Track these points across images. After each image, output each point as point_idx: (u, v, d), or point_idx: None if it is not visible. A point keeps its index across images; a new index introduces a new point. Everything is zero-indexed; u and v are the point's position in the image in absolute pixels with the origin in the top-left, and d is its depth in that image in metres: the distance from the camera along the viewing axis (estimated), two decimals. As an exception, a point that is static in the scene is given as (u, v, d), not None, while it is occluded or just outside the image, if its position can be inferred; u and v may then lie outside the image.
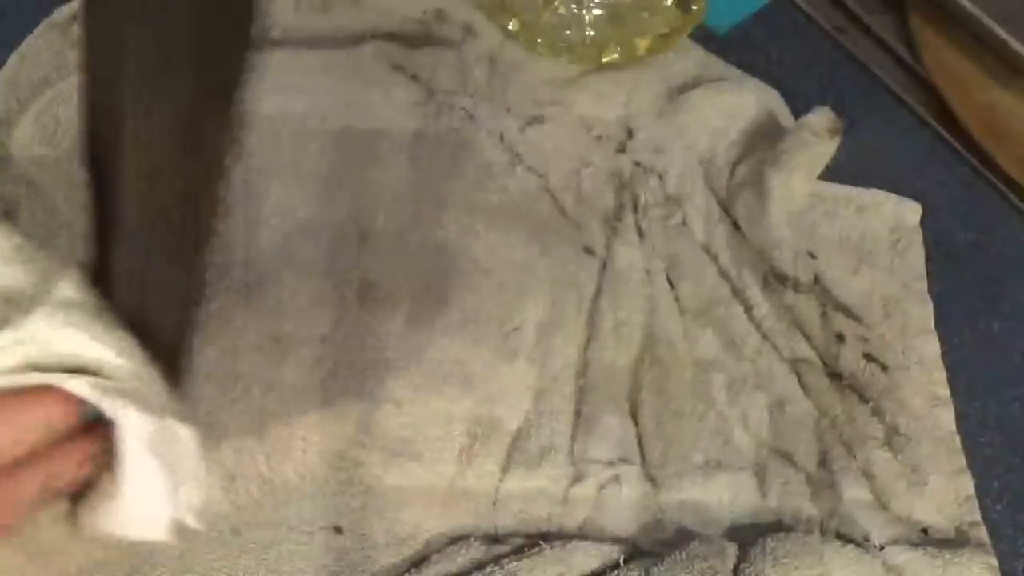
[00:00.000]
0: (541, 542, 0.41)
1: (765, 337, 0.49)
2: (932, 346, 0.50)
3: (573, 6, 0.60)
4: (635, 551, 0.43)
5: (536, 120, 0.56)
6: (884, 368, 0.47)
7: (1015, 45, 0.55)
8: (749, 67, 0.61)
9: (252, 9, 0.33)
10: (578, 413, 0.46)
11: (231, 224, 0.50)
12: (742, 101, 0.57)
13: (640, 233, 0.53)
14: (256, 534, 0.41)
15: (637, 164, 0.56)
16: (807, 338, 0.49)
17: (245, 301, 0.47)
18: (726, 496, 0.45)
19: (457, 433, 0.45)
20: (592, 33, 0.60)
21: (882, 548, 0.42)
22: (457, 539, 0.42)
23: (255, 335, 0.46)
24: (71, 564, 0.40)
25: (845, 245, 0.54)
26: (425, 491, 0.43)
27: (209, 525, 0.41)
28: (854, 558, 0.42)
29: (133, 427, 0.32)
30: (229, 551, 0.41)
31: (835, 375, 0.48)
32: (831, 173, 0.55)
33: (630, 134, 0.57)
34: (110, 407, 0.31)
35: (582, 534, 0.43)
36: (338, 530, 0.42)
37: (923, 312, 0.51)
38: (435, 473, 0.44)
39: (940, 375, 0.49)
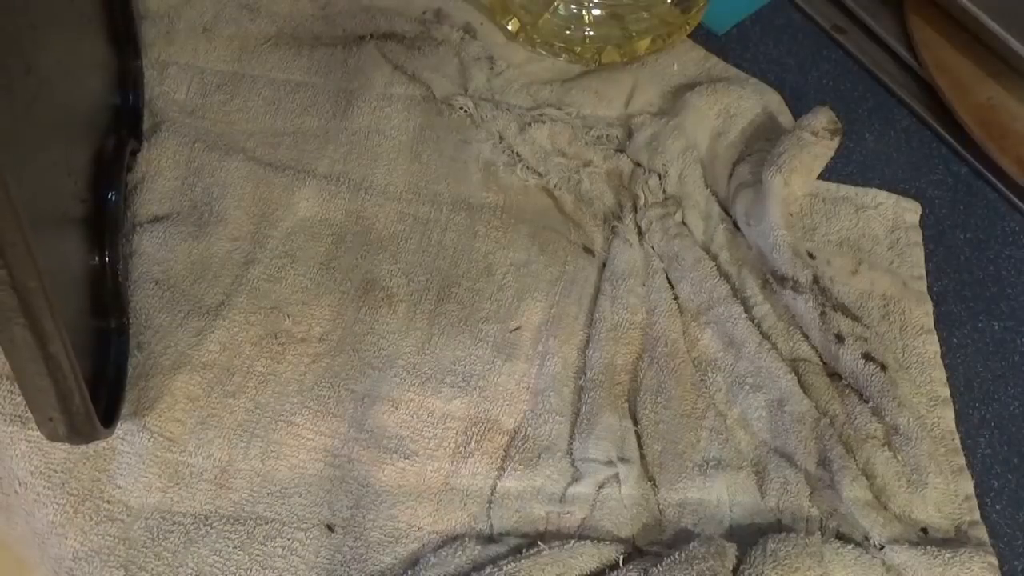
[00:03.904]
0: (539, 542, 0.41)
1: (765, 337, 0.49)
2: (932, 346, 0.50)
3: (573, 6, 0.60)
4: (634, 551, 0.42)
5: (536, 120, 0.56)
6: (883, 368, 0.47)
7: (1014, 45, 0.55)
8: (749, 67, 0.61)
9: None
10: (577, 412, 0.46)
11: (235, 221, 0.50)
12: (742, 101, 0.57)
13: (640, 233, 0.53)
14: (249, 529, 0.41)
15: (637, 164, 0.56)
16: (806, 338, 0.49)
17: (246, 297, 0.47)
18: (725, 495, 0.45)
19: (452, 432, 0.45)
20: (592, 33, 0.60)
21: (882, 548, 0.42)
22: (452, 538, 0.42)
23: (254, 330, 0.46)
24: (67, 550, 0.40)
25: (844, 245, 0.54)
26: (419, 489, 0.43)
27: (203, 520, 0.41)
28: (854, 559, 0.42)
29: None
30: (223, 546, 0.41)
31: (834, 375, 0.48)
32: (831, 173, 0.55)
33: (630, 134, 0.57)
34: None
35: (580, 534, 0.43)
36: (330, 528, 0.42)
37: (922, 312, 0.51)
38: (429, 471, 0.44)
39: (940, 375, 0.49)
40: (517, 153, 0.55)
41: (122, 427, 0.43)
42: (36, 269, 0.32)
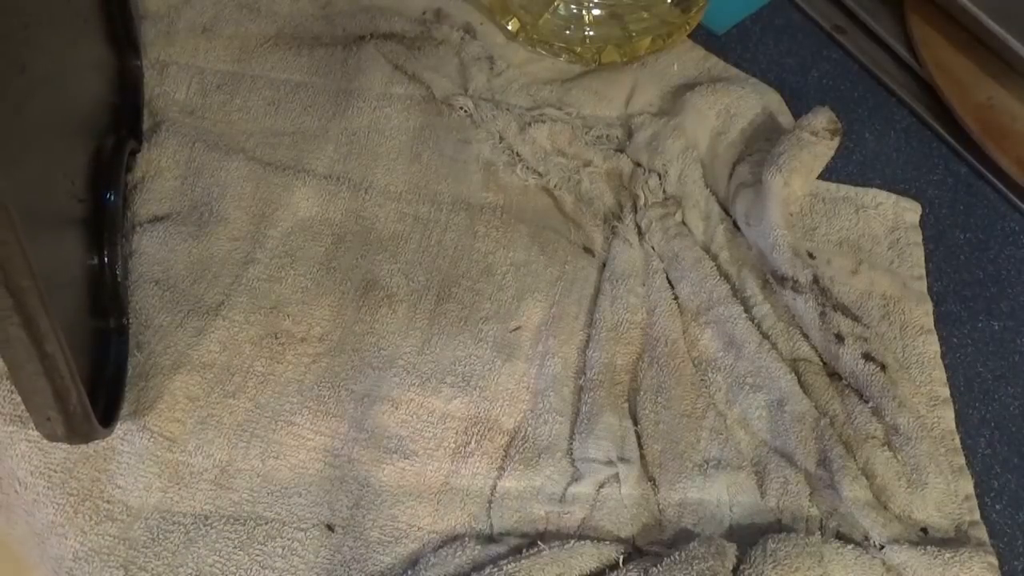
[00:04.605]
0: (539, 542, 0.41)
1: (765, 337, 0.49)
2: (932, 346, 0.50)
3: (573, 6, 0.60)
4: (634, 551, 0.42)
5: (536, 120, 0.56)
6: (883, 368, 0.47)
7: (1014, 45, 0.55)
8: (749, 67, 0.61)
9: None
10: (577, 412, 0.46)
11: (235, 221, 0.50)
12: (742, 101, 0.57)
13: (640, 233, 0.53)
14: (249, 529, 0.41)
15: (637, 164, 0.56)
16: (806, 338, 0.49)
17: (246, 297, 0.47)
18: (725, 495, 0.45)
19: (452, 432, 0.45)
20: (592, 33, 0.60)
21: (882, 548, 0.42)
22: (452, 538, 0.42)
23: (254, 330, 0.46)
24: (67, 550, 0.40)
25: (844, 245, 0.54)
26: (419, 489, 0.43)
27: (203, 520, 0.41)
28: (854, 559, 0.41)
29: None
30: (223, 546, 0.41)
31: (834, 375, 0.48)
32: (831, 173, 0.55)
33: (630, 134, 0.57)
34: None
35: (580, 534, 0.43)
36: (330, 528, 0.42)
37: (922, 312, 0.51)
38: (428, 471, 0.44)
39: (940, 375, 0.49)
40: (517, 153, 0.55)
41: (122, 427, 0.43)
42: (30, 268, 0.32)
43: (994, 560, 0.43)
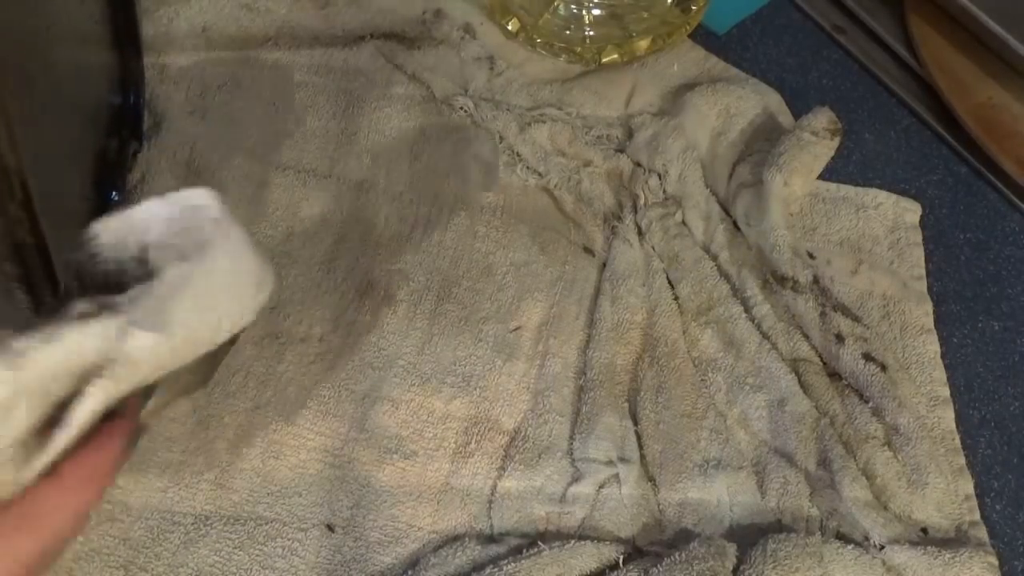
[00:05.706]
0: (539, 542, 0.41)
1: (765, 337, 0.49)
2: (932, 346, 0.50)
3: (573, 6, 0.60)
4: (634, 551, 0.42)
5: (536, 120, 0.56)
6: (883, 368, 0.47)
7: (1014, 45, 0.55)
8: (749, 67, 0.61)
9: None
10: (577, 412, 0.46)
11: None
12: (742, 101, 0.57)
13: (640, 233, 0.53)
14: (249, 529, 0.41)
15: (637, 164, 0.56)
16: (806, 338, 0.49)
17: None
18: (725, 496, 0.45)
19: (452, 432, 0.45)
20: (592, 33, 0.60)
21: (882, 548, 0.42)
22: (453, 538, 0.42)
23: (255, 330, 0.46)
24: (67, 552, 0.40)
25: (844, 245, 0.54)
26: (419, 489, 0.43)
27: (203, 520, 0.41)
28: (854, 559, 0.42)
29: None
30: (223, 546, 0.41)
31: (834, 375, 0.48)
32: (831, 173, 0.55)
33: (630, 134, 0.57)
34: None
35: (581, 534, 0.43)
36: (330, 528, 0.42)
37: (922, 312, 0.51)
38: (429, 472, 0.44)
39: (940, 375, 0.49)
40: (517, 153, 0.55)
41: (122, 427, 0.43)
42: (52, 269, 0.32)
43: (994, 560, 0.43)
